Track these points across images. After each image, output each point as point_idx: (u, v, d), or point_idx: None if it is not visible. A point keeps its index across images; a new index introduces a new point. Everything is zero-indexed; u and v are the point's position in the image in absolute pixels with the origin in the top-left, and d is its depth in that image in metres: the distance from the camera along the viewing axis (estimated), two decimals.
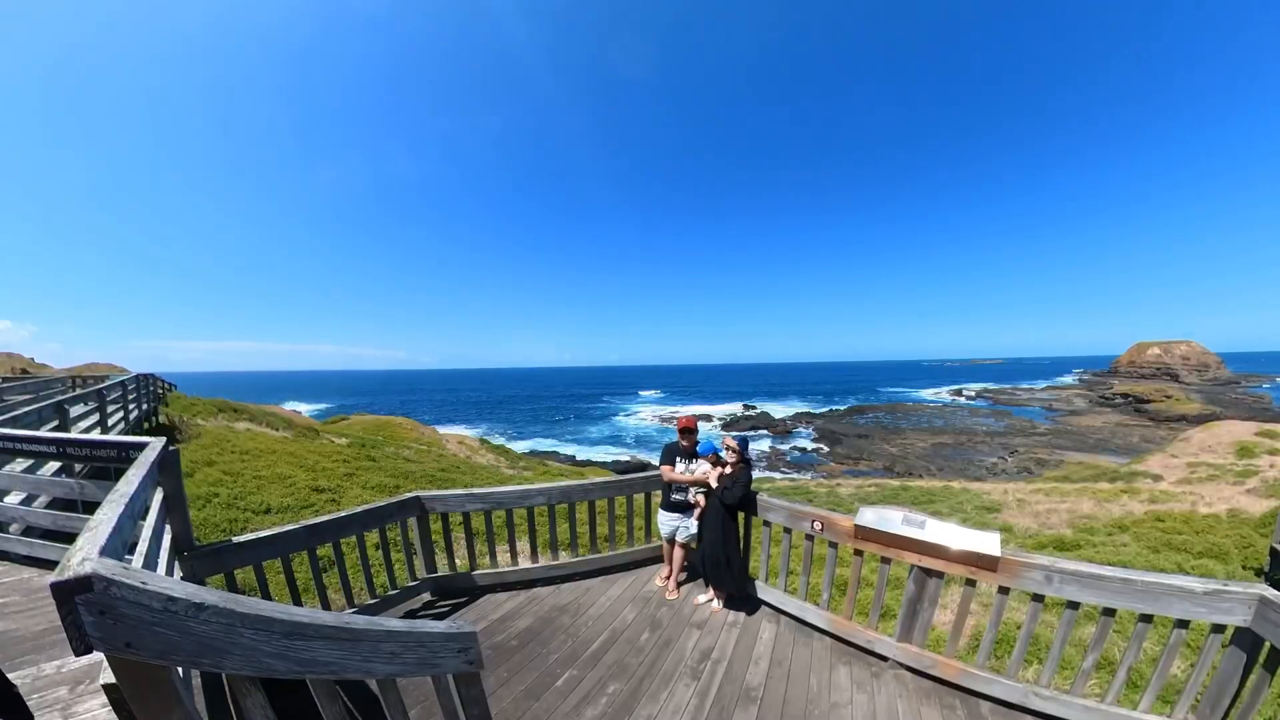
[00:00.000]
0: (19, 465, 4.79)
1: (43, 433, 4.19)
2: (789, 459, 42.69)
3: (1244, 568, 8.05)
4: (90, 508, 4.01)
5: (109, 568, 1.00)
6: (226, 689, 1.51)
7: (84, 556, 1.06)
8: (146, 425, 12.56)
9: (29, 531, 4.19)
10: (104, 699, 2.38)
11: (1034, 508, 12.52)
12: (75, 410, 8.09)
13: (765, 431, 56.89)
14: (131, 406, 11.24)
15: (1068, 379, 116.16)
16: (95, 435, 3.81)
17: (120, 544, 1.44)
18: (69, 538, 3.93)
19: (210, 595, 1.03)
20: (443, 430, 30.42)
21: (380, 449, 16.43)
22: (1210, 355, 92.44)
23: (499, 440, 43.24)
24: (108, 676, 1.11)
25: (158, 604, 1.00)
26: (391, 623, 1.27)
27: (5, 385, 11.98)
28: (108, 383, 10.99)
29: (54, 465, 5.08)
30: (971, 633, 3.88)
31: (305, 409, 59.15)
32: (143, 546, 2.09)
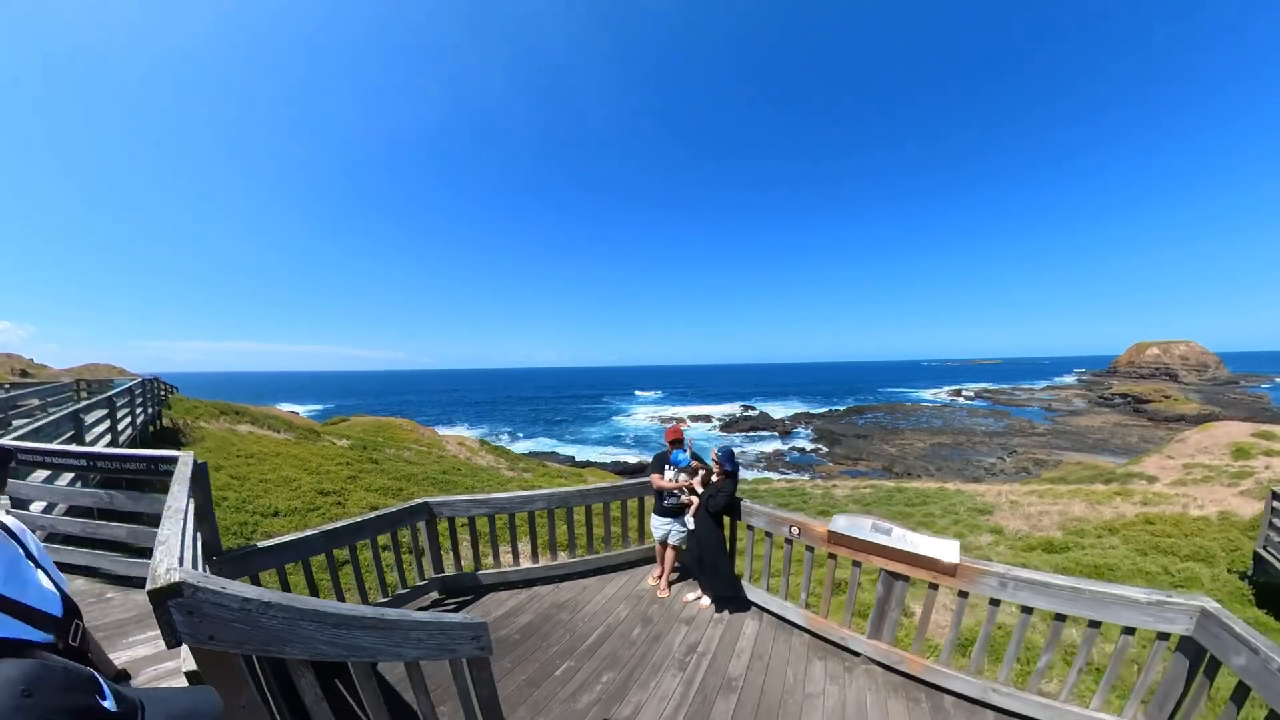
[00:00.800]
0: (39, 474, 5.01)
1: (76, 447, 4.44)
2: (788, 459, 42.89)
3: (1229, 571, 8.25)
4: (108, 515, 4.20)
5: (193, 576, 1.26)
6: (259, 670, 1.74)
7: (168, 567, 1.31)
8: (152, 429, 12.72)
9: (51, 538, 4.39)
10: None
11: (1026, 510, 12.73)
12: (89, 418, 8.33)
13: (764, 432, 57.11)
14: (139, 411, 11.44)
15: (1067, 379, 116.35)
16: (125, 449, 4.03)
17: (184, 554, 1.69)
18: (96, 544, 4.14)
19: (275, 595, 1.29)
20: (442, 431, 30.54)
21: (381, 451, 16.62)
22: (1209, 355, 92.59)
23: (499, 441, 43.44)
24: (189, 665, 1.36)
25: (235, 604, 1.25)
26: (418, 614, 1.54)
27: (17, 392, 12.19)
28: (117, 389, 11.20)
29: (69, 475, 5.26)
30: (943, 633, 4.14)
31: (304, 410, 59.29)
32: (186, 554, 2.34)
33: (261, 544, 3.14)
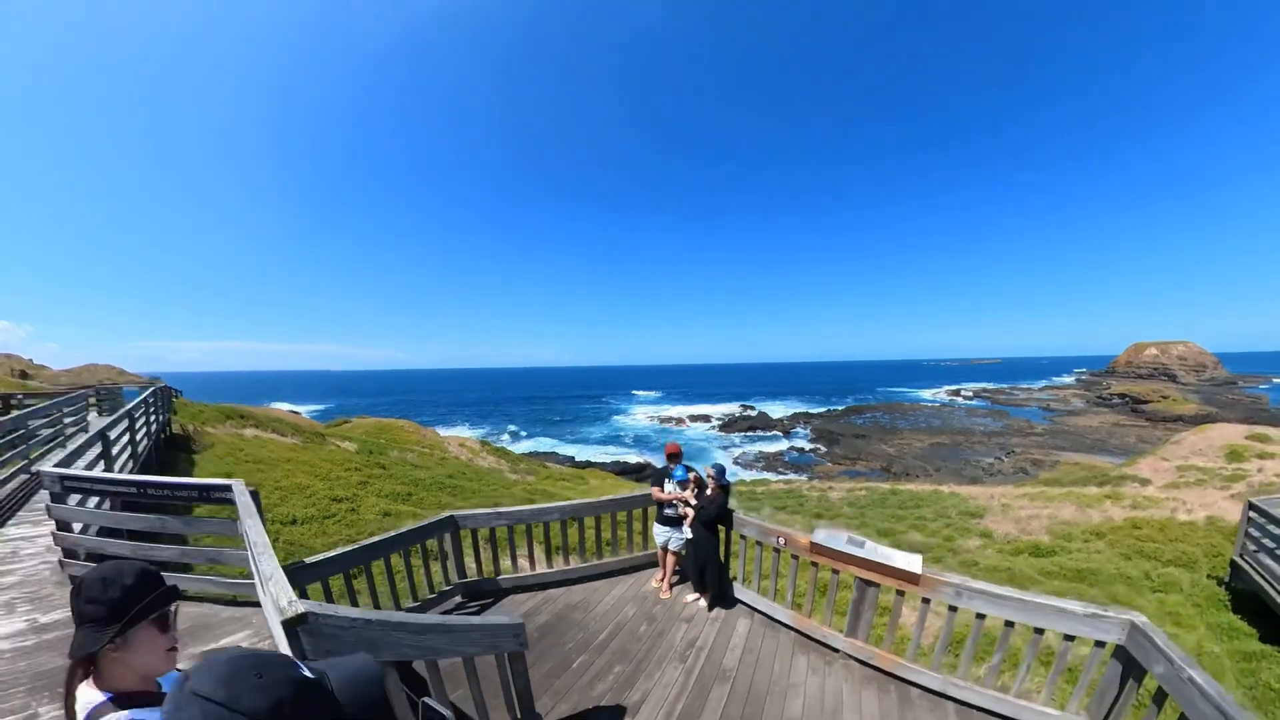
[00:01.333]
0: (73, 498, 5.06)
1: (129, 476, 4.69)
2: (786, 459, 43.21)
3: (1208, 577, 8.53)
4: (136, 536, 4.40)
5: (314, 606, 1.64)
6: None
7: (289, 600, 1.68)
8: (163, 436, 12.91)
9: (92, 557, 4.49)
10: None
11: (1017, 513, 12.98)
12: (112, 433, 8.61)
13: (763, 431, 57.44)
14: (153, 420, 11.68)
15: (1066, 379, 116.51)
16: (176, 479, 4.18)
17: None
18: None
19: (372, 614, 1.70)
20: (443, 432, 30.72)
21: (386, 454, 16.88)
22: (1207, 355, 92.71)
23: (500, 442, 43.72)
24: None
25: (346, 624, 1.65)
26: (474, 619, 1.96)
27: (37, 405, 12.35)
28: (133, 401, 11.46)
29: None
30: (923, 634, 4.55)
31: (304, 410, 59.44)
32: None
33: (308, 560, 3.50)
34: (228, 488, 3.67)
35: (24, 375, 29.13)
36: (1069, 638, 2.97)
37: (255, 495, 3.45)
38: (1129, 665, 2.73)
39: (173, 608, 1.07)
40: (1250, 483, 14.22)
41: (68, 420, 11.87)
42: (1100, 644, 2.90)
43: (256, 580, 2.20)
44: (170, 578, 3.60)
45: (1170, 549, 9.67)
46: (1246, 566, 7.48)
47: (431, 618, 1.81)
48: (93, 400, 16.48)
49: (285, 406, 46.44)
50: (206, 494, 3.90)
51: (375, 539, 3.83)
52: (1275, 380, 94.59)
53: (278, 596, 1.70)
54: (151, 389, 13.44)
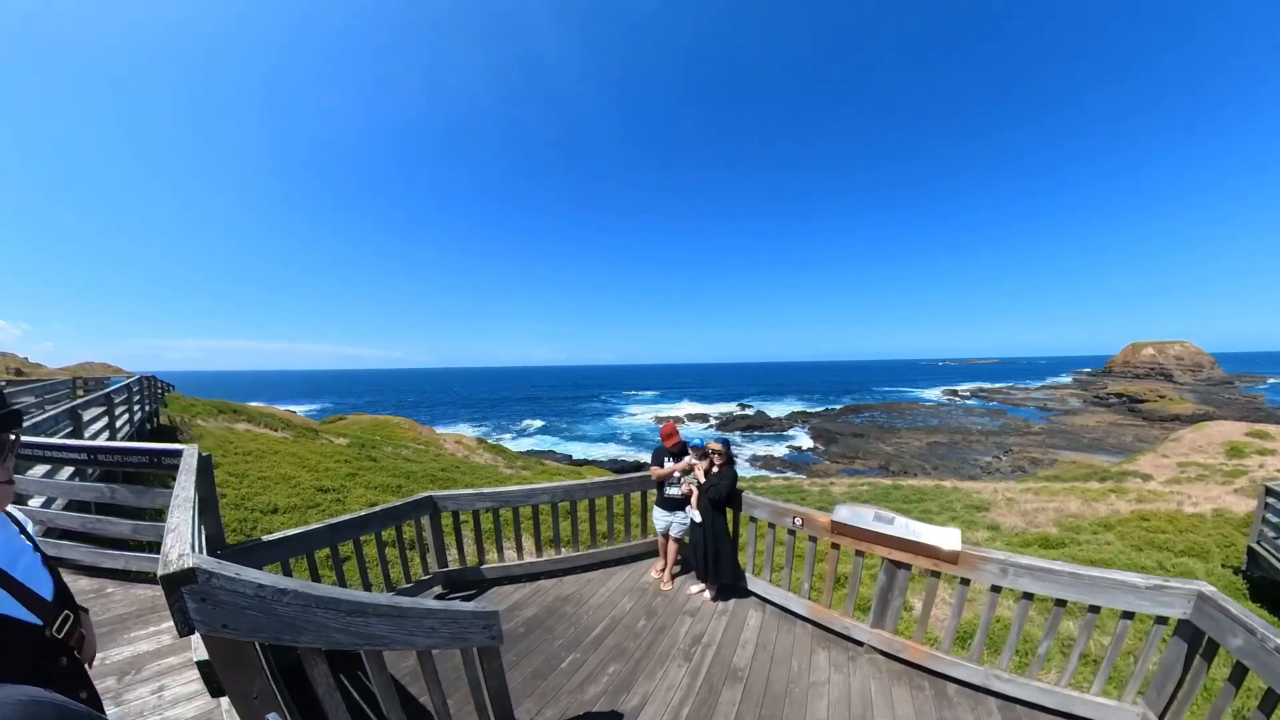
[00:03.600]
0: (39, 469, 4.93)
1: (76, 441, 4.40)
2: (785, 458, 42.97)
3: (1223, 566, 8.35)
4: (106, 510, 4.10)
5: (207, 562, 1.24)
6: (265, 660, 1.70)
7: (180, 553, 1.29)
8: (149, 427, 12.64)
9: (49, 533, 4.33)
10: (153, 686, 2.65)
11: (1022, 506, 12.82)
12: (87, 415, 8.27)
13: (761, 431, 57.22)
14: (136, 409, 11.39)
15: (1063, 379, 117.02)
16: (127, 443, 3.98)
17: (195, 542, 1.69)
18: (95, 539, 4.09)
19: (290, 583, 1.28)
20: (440, 430, 30.58)
21: (379, 449, 16.58)
22: (1204, 355, 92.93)
23: (496, 440, 43.38)
24: (201, 654, 1.34)
25: (249, 590, 1.23)
26: (431, 603, 1.54)
27: (13, 390, 12.09)
28: (114, 386, 11.14)
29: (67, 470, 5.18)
30: (944, 624, 4.17)
31: (301, 409, 58.96)
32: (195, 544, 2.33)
33: (266, 538, 3.13)
34: (178, 453, 3.29)
35: (19, 374, 29.02)
36: (1127, 615, 2.63)
37: (207, 460, 3.06)
38: (1195, 641, 2.42)
39: (12, 435, 0.91)
40: (1252, 478, 14.26)
41: (48, 407, 11.49)
42: (1161, 621, 2.56)
43: None
44: (121, 556, 3.20)
45: (1181, 540, 9.55)
46: (1265, 553, 7.31)
47: (374, 596, 1.39)
48: (80, 392, 16.22)
49: (283, 406, 45.98)
50: (158, 459, 3.52)
51: (341, 518, 3.42)
52: (1272, 380, 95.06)
53: (170, 549, 1.29)
54: (136, 378, 13.15)
